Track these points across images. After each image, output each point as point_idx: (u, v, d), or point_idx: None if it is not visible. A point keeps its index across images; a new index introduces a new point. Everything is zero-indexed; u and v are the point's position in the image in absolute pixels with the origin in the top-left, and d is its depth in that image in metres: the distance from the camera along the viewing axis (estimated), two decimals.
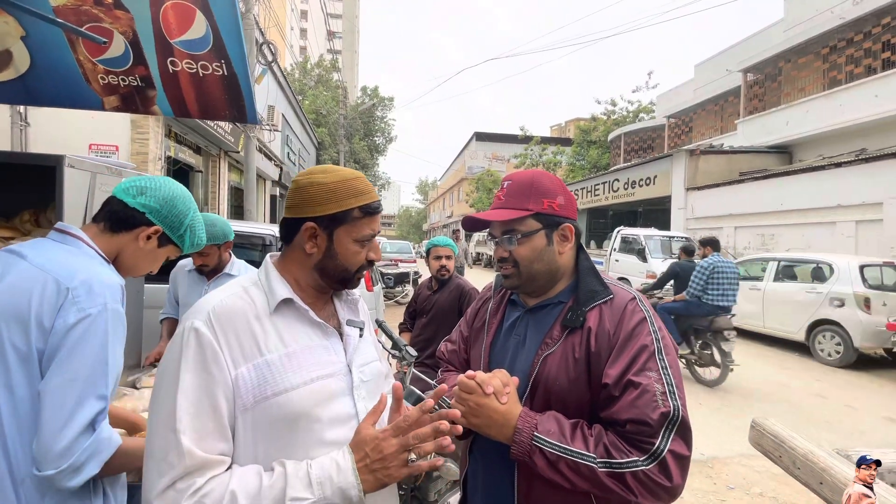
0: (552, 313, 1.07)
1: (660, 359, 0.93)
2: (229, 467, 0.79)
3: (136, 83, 2.14)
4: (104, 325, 1.02)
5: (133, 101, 2.20)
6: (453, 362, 1.30)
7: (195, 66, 2.11)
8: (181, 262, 2.38)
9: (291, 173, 17.46)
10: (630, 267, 11.91)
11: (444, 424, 0.81)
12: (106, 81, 2.12)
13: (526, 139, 30.16)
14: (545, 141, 29.47)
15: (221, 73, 2.15)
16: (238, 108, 2.29)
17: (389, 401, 0.90)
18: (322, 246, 0.92)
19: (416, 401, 2.00)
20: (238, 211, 12.19)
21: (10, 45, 1.92)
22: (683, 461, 0.87)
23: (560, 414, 0.96)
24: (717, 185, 14.00)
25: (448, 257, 3.01)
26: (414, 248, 18.53)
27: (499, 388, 0.94)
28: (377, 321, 2.56)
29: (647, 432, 0.86)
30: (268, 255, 0.98)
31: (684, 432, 0.88)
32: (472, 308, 1.32)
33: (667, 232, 13.13)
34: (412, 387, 2.02)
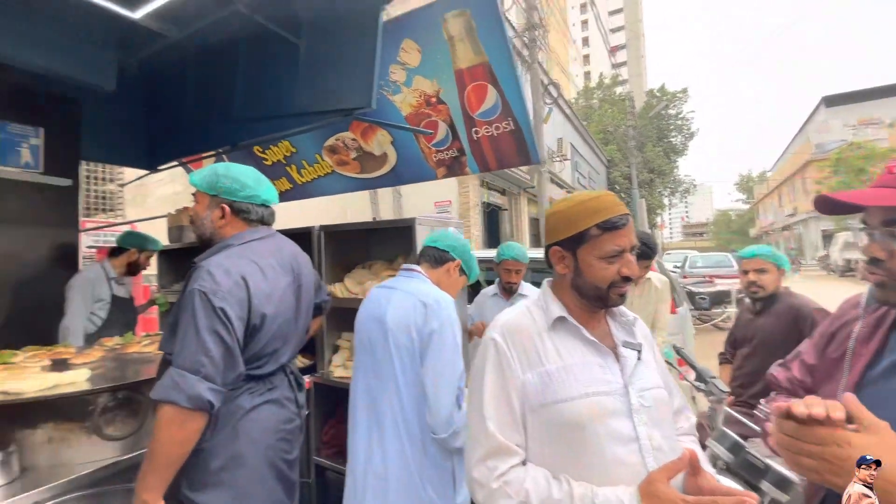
0: None
1: None
2: (524, 462, 0.94)
3: (454, 154, 2.82)
4: (451, 329, 1.51)
5: (454, 168, 2.90)
6: (797, 393, 1.03)
7: (491, 129, 2.61)
8: (484, 291, 2.91)
9: None
10: None
11: None
12: (437, 158, 2.89)
13: None
14: None
15: (510, 128, 2.57)
16: (524, 154, 2.65)
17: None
18: (570, 266, 1.00)
19: (732, 446, 1.70)
20: (536, 240, 13.45)
21: (387, 149, 2.93)
22: None
23: None
24: None
25: (760, 271, 2.39)
26: (737, 261, 15.39)
27: None
28: (674, 347, 2.30)
29: None
30: (545, 279, 1.13)
31: None
32: (823, 328, 1.02)
33: None
34: (725, 429, 1.72)
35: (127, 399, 1.59)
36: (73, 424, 1.53)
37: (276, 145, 3.32)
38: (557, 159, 13.54)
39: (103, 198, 5.98)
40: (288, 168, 3.44)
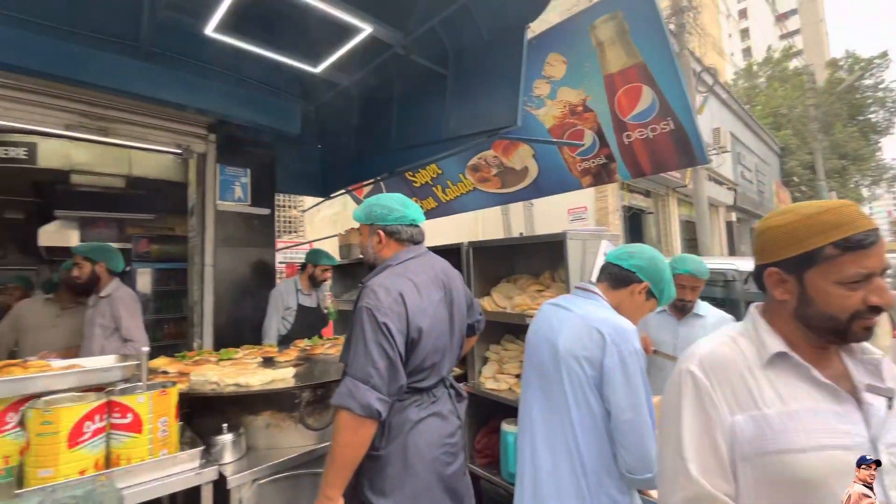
0: None
1: None
2: None
3: (601, 162, 2.69)
4: (637, 362, 1.31)
5: (601, 176, 2.77)
6: None
7: (645, 132, 2.42)
8: None
9: (748, 193, 15.42)
10: None
11: None
12: (582, 167, 2.79)
13: None
14: None
15: (669, 128, 2.36)
16: (687, 154, 2.40)
17: None
18: (793, 291, 0.83)
19: None
20: (691, 244, 11.96)
21: (528, 162, 2.93)
22: None
23: None
24: None
25: None
26: None
27: None
28: None
29: None
30: (752, 305, 0.97)
31: None
32: None
33: None
34: None
35: (324, 395, 1.87)
36: (284, 414, 1.86)
37: (424, 168, 3.60)
38: (715, 152, 11.90)
39: (289, 222, 7.23)
40: (434, 188, 3.70)
